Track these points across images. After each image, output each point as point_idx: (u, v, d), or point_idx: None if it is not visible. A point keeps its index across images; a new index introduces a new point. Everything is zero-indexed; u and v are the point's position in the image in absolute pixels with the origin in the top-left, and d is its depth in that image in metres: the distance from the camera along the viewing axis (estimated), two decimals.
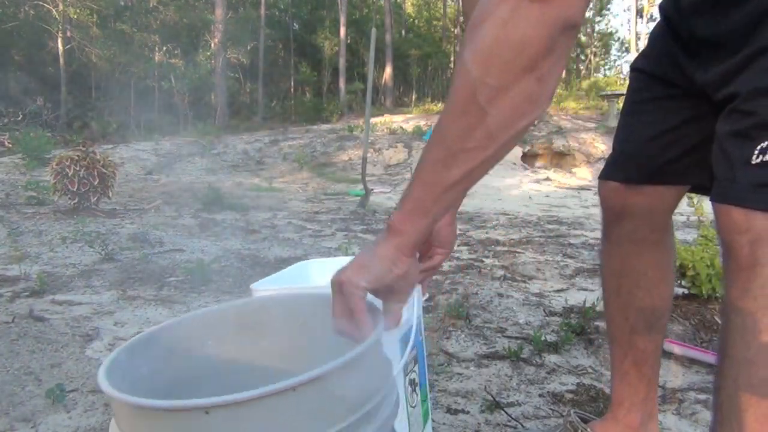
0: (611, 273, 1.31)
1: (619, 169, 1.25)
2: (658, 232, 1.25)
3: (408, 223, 0.76)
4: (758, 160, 0.90)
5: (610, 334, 1.35)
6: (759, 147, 0.90)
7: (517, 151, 11.70)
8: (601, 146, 11.95)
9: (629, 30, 32.53)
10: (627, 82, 1.33)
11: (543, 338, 2.12)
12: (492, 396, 1.71)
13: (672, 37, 1.15)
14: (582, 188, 9.81)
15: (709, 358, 1.95)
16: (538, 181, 10.45)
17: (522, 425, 1.56)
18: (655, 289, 1.26)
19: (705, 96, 1.09)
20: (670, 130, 1.18)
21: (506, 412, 1.62)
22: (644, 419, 1.30)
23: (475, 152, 0.72)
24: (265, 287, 1.18)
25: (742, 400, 0.91)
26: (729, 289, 0.95)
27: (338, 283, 0.76)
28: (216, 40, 17.63)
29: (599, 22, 31.02)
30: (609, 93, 14.71)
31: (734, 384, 0.93)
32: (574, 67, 30.61)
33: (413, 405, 1.10)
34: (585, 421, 1.37)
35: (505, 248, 4.15)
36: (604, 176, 1.28)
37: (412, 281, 0.81)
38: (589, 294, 2.80)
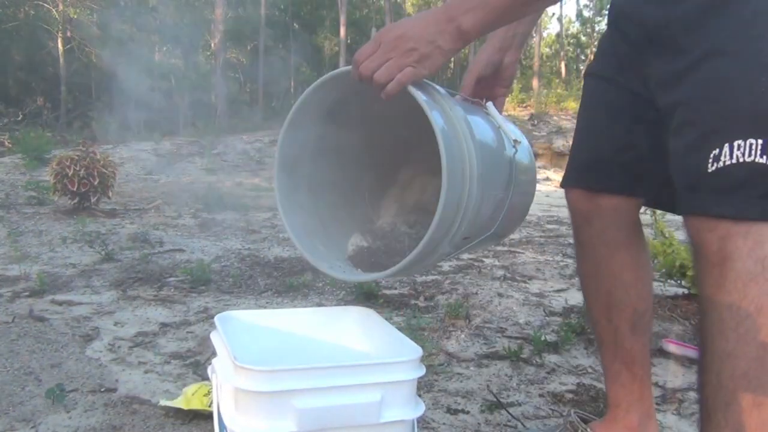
0: (587, 276, 1.31)
1: (579, 177, 1.26)
2: (627, 231, 1.25)
3: (477, 35, 0.94)
4: (713, 168, 0.92)
5: (597, 336, 1.35)
6: (712, 155, 0.92)
7: None
8: None
9: None
10: None
11: (543, 338, 2.12)
12: (494, 395, 1.71)
13: (623, 37, 1.15)
14: None
15: None
16: (538, 181, 10.46)
17: (522, 424, 1.56)
18: (632, 289, 1.25)
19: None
20: (624, 136, 1.18)
21: (508, 411, 1.62)
22: (642, 419, 1.30)
23: None
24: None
25: (726, 394, 0.93)
26: (702, 285, 0.97)
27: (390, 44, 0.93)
28: (216, 40, 17.62)
29: (599, 22, 30.99)
30: None
31: (717, 378, 0.94)
32: (575, 67, 30.60)
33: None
34: (585, 421, 1.37)
35: (505, 248, 4.15)
36: (566, 183, 1.29)
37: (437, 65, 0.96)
38: None
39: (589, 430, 1.33)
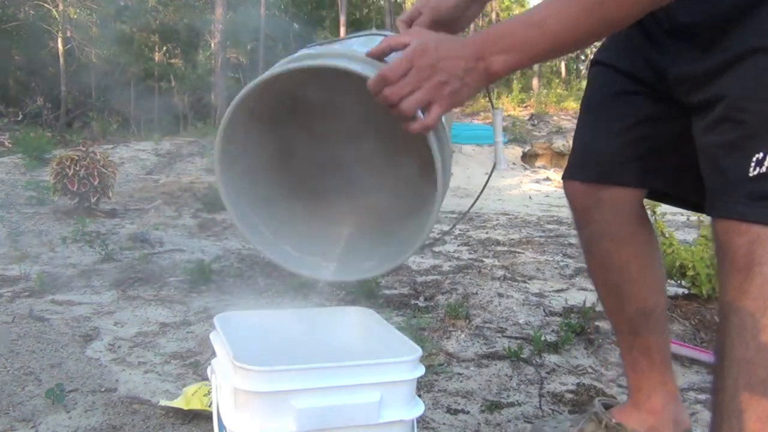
0: (595, 271, 1.30)
1: (580, 168, 1.24)
2: (630, 224, 1.23)
3: (503, 76, 0.89)
4: (755, 173, 0.89)
5: (613, 325, 1.35)
6: (755, 159, 0.90)
7: (517, 151, 11.70)
8: None
9: None
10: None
11: (543, 338, 2.12)
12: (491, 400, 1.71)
13: (641, 30, 1.12)
14: None
15: (709, 358, 1.95)
16: (538, 181, 10.45)
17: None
18: (641, 280, 1.24)
19: (674, 96, 1.06)
20: (634, 127, 1.15)
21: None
22: (666, 402, 1.29)
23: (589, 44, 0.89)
24: None
25: (743, 400, 0.91)
26: (725, 289, 0.95)
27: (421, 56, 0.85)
28: (216, 40, 17.60)
29: None
30: None
31: (734, 384, 0.92)
32: (574, 67, 30.58)
33: None
34: (608, 407, 1.37)
35: (505, 248, 4.15)
36: (566, 176, 1.27)
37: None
38: (589, 294, 2.80)
39: (613, 419, 1.32)
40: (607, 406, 1.37)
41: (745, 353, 0.91)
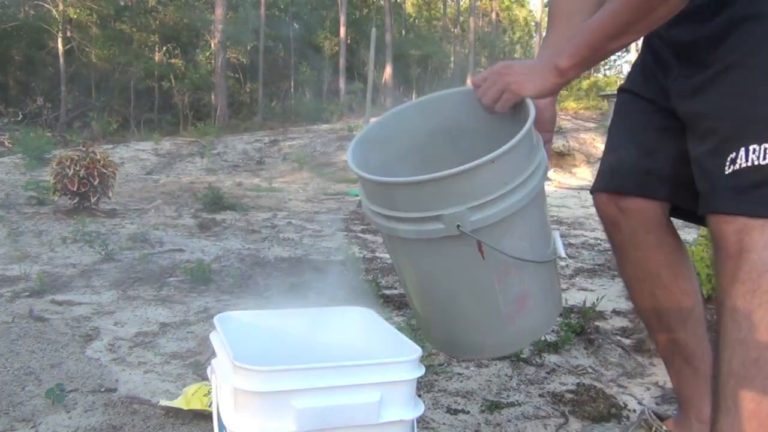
0: (629, 280, 1.35)
1: (605, 181, 1.31)
2: (656, 233, 1.27)
3: (573, 71, 1.06)
4: (730, 170, 0.99)
5: (652, 336, 1.38)
6: (729, 158, 1.00)
7: None
8: (601, 146, 11.87)
9: None
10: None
11: (543, 338, 2.12)
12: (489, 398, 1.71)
13: (654, 56, 1.23)
14: (582, 188, 9.80)
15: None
16: None
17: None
18: (673, 287, 1.28)
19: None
20: (653, 142, 1.24)
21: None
22: None
23: (634, 35, 1.01)
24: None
25: (736, 381, 0.95)
26: (719, 278, 1.01)
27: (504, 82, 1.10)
28: (216, 40, 17.60)
29: None
30: (609, 93, 14.70)
31: (728, 366, 0.97)
32: None
33: None
34: (661, 418, 1.38)
35: None
36: (593, 189, 1.34)
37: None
38: (589, 294, 2.80)
39: (663, 427, 1.35)
40: (660, 417, 1.38)
41: (738, 334, 0.96)
